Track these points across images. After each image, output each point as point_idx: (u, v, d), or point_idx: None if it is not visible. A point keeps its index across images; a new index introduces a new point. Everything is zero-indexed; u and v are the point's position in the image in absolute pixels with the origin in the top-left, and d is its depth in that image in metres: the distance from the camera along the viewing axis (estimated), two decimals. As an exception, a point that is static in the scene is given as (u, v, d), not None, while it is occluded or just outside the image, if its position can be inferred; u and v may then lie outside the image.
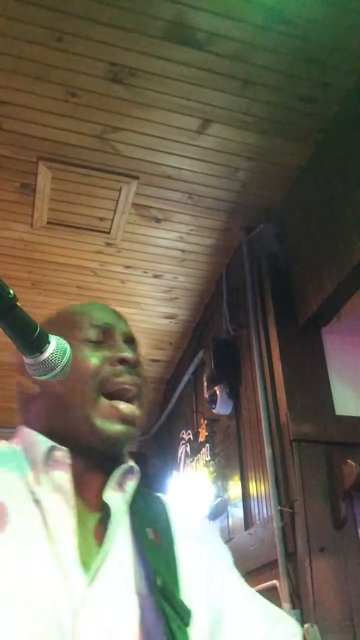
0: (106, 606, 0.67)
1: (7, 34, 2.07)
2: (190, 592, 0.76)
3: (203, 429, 3.38)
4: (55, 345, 0.65)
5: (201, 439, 3.39)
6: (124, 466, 0.79)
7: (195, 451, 3.50)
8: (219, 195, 2.83)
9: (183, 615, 0.70)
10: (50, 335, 0.66)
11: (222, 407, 2.94)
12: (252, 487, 2.63)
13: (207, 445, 3.28)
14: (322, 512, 2.15)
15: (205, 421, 3.36)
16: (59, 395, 0.79)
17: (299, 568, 2.09)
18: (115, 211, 2.87)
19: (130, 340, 0.87)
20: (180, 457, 3.81)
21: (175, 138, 2.52)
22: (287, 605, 2.06)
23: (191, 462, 3.54)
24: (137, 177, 2.70)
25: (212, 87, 2.30)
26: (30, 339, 0.64)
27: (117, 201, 2.81)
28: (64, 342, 0.67)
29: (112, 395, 0.79)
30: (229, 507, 2.94)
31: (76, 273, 3.33)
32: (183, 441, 3.76)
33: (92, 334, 0.82)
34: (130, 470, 0.80)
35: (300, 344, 2.56)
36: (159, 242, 3.12)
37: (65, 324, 0.84)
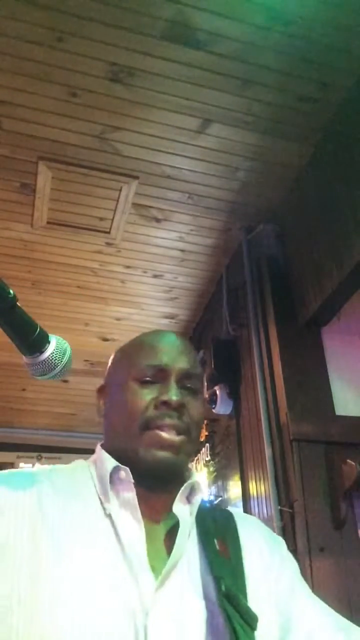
0: (175, 607, 0.73)
1: (7, 34, 2.07)
2: (257, 598, 0.80)
3: (203, 428, 3.38)
4: (55, 345, 0.65)
5: (201, 438, 3.39)
6: (190, 482, 0.85)
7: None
8: (219, 195, 2.83)
9: (248, 619, 0.74)
10: (50, 335, 0.67)
11: (222, 407, 2.94)
12: (252, 487, 2.63)
13: (207, 445, 3.28)
14: (322, 512, 2.15)
15: (205, 421, 3.36)
16: (113, 425, 0.88)
17: (299, 568, 2.09)
18: (115, 211, 2.87)
19: (187, 377, 0.88)
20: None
21: (175, 138, 2.52)
22: (287, 605, 2.06)
23: (191, 462, 3.54)
24: (137, 177, 2.70)
25: (212, 87, 2.30)
26: (30, 339, 0.64)
27: (117, 201, 2.81)
28: (64, 342, 0.68)
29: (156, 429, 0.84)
30: (229, 507, 2.93)
31: (76, 273, 3.33)
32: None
33: (146, 373, 0.86)
34: (196, 487, 0.86)
35: (300, 344, 2.56)
36: (159, 242, 3.12)
37: (129, 357, 0.91)
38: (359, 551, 2.11)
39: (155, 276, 3.38)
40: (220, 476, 3.11)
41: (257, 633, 0.74)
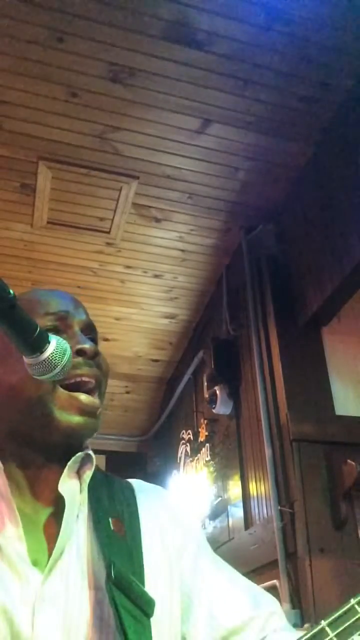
0: (62, 601, 0.66)
1: (8, 34, 2.07)
2: (156, 581, 0.73)
3: (203, 428, 3.38)
4: (55, 345, 0.65)
5: (201, 438, 3.39)
6: (79, 454, 0.74)
7: (195, 451, 3.51)
8: (219, 195, 2.83)
9: (143, 604, 0.67)
10: (50, 335, 0.66)
11: (222, 407, 2.94)
12: (252, 487, 2.63)
13: (207, 445, 3.28)
14: (322, 512, 2.15)
15: (205, 421, 3.36)
16: (12, 387, 0.74)
17: (299, 568, 2.09)
18: (115, 211, 2.87)
19: (89, 329, 0.82)
20: (180, 456, 3.81)
21: (175, 138, 2.52)
22: (287, 605, 2.06)
23: (191, 461, 3.54)
24: (137, 177, 2.70)
25: (212, 87, 2.30)
26: (30, 339, 0.64)
27: (117, 201, 2.81)
28: (64, 342, 0.67)
29: (70, 387, 0.74)
30: (229, 507, 2.94)
31: (76, 273, 3.33)
32: (183, 441, 3.77)
33: (47, 322, 0.77)
34: (87, 459, 0.76)
35: (300, 344, 2.56)
36: (159, 242, 3.12)
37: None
38: (359, 551, 2.11)
39: (155, 276, 3.38)
40: (220, 476, 3.11)
41: (154, 619, 0.68)
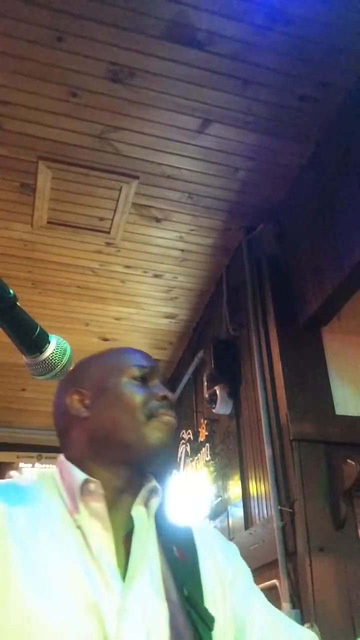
0: (142, 610, 0.78)
1: (8, 34, 2.07)
2: (214, 602, 0.86)
3: (203, 428, 3.38)
4: (55, 345, 0.65)
5: (201, 438, 3.39)
6: (149, 485, 0.91)
7: (195, 451, 3.50)
8: (219, 195, 2.83)
9: (207, 620, 0.81)
10: (50, 335, 0.66)
11: (222, 407, 2.94)
12: (252, 487, 2.63)
13: (207, 445, 3.28)
14: (322, 512, 2.15)
15: (205, 421, 3.36)
16: (111, 419, 0.92)
17: (299, 568, 2.09)
18: (115, 211, 2.87)
19: (159, 377, 1.00)
20: (180, 456, 3.81)
21: (175, 138, 2.52)
22: (287, 605, 2.06)
23: (191, 461, 3.54)
24: (137, 177, 2.70)
25: (212, 87, 2.30)
26: (30, 339, 0.64)
27: (117, 201, 2.81)
28: (64, 342, 0.68)
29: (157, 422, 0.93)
30: (229, 507, 2.94)
31: (76, 273, 3.33)
32: (183, 441, 3.77)
33: (139, 373, 0.96)
34: (154, 490, 0.91)
35: (300, 344, 2.56)
36: (159, 241, 3.12)
37: (116, 360, 0.99)
38: (359, 551, 2.11)
39: (155, 276, 3.38)
40: (220, 476, 3.11)
41: (213, 633, 0.80)
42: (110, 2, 1.99)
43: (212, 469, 3.20)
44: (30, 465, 4.98)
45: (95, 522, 0.84)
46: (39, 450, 4.96)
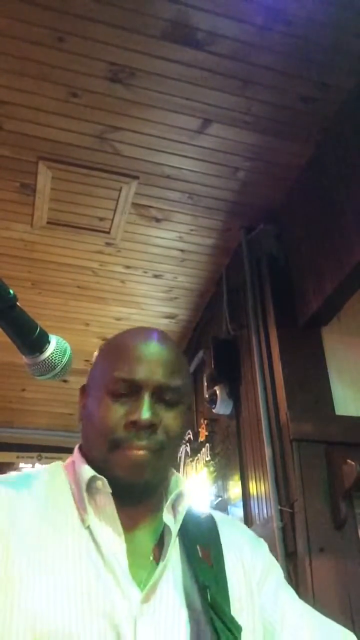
0: (161, 618, 0.73)
1: (8, 34, 2.07)
2: (241, 605, 0.80)
3: (203, 428, 3.38)
4: (55, 345, 0.65)
5: (201, 438, 3.39)
6: (176, 491, 0.83)
7: (195, 451, 3.50)
8: (219, 195, 2.83)
9: (232, 629, 0.74)
10: (50, 335, 0.67)
11: (222, 407, 2.94)
12: (252, 487, 2.63)
13: (207, 445, 3.28)
14: (322, 512, 2.15)
15: (205, 421, 3.36)
16: (86, 436, 0.85)
17: (299, 568, 2.09)
18: (115, 211, 2.87)
19: (163, 391, 0.83)
20: (180, 456, 3.80)
21: (175, 138, 2.52)
22: (287, 605, 2.06)
23: (191, 461, 3.54)
24: (137, 177, 2.70)
25: (212, 87, 2.30)
26: (30, 339, 0.64)
27: (117, 201, 2.81)
28: (64, 342, 0.67)
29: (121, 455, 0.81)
30: (229, 507, 2.94)
31: (76, 273, 3.33)
32: (183, 441, 3.76)
33: (118, 388, 0.81)
34: (181, 495, 0.84)
35: (300, 344, 2.56)
36: (159, 242, 3.12)
37: (107, 363, 0.85)
38: (359, 551, 2.11)
39: (155, 276, 3.38)
40: (220, 476, 3.11)
41: None
42: (110, 2, 1.99)
43: (212, 469, 3.20)
44: (30, 465, 4.97)
45: (105, 523, 0.78)
46: (39, 450, 4.95)
